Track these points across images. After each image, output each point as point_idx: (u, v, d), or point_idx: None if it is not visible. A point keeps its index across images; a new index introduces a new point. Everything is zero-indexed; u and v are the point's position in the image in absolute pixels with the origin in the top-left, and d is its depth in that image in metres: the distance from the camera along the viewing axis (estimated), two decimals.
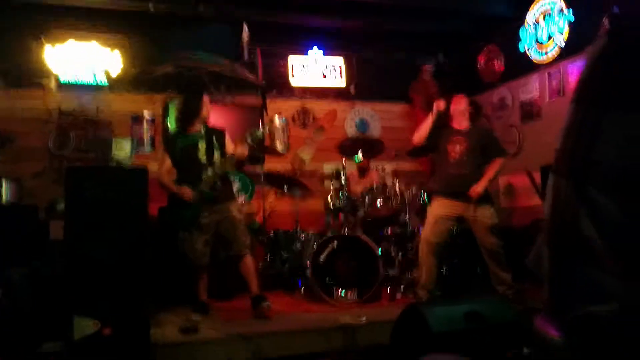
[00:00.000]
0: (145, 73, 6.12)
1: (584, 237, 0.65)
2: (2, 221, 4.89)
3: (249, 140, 4.17)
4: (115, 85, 6.12)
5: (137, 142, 5.69)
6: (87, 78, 5.92)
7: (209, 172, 4.12)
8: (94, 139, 5.87)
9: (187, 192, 4.06)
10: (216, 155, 4.21)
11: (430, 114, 4.47)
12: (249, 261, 4.20)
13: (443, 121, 4.51)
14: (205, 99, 4.29)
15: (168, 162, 4.22)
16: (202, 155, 4.18)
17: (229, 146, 4.30)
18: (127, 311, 3.24)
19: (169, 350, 3.36)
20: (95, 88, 6.00)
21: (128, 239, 3.33)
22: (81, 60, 5.81)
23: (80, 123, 5.92)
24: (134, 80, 6.21)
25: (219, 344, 3.46)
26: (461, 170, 4.33)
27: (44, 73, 5.84)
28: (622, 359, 0.61)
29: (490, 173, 4.34)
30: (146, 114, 6.25)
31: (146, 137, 6.21)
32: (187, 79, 5.92)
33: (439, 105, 4.44)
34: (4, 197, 5.14)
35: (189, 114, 4.24)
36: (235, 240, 4.16)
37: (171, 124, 6.19)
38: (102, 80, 5.97)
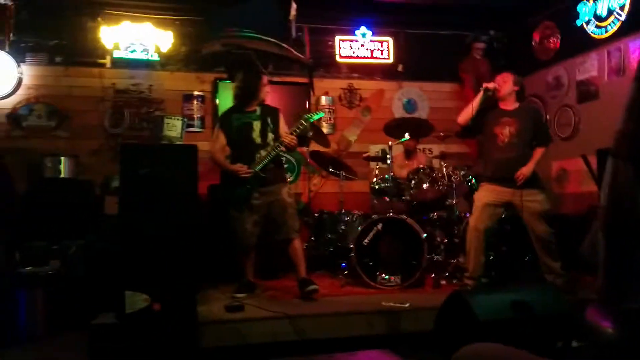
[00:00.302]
0: (195, 51, 6.22)
1: None
2: (60, 195, 5.13)
3: (295, 130, 4.18)
4: (166, 62, 6.24)
5: (187, 121, 5.79)
6: (140, 55, 6.05)
7: (262, 153, 4.15)
8: (147, 117, 6.04)
9: (243, 168, 4.11)
10: (270, 136, 4.23)
11: (478, 93, 4.34)
12: (297, 245, 4.22)
13: (491, 102, 4.36)
14: (264, 80, 4.31)
15: (222, 139, 4.26)
16: (257, 136, 4.21)
17: (283, 127, 4.31)
18: (176, 288, 3.33)
19: (215, 327, 3.44)
20: (147, 64, 6.13)
21: (179, 215, 3.41)
22: (135, 39, 5.95)
23: (134, 101, 6.09)
24: (184, 59, 6.32)
25: (264, 323, 3.52)
26: (510, 154, 4.18)
27: (100, 51, 6.01)
28: None
29: (534, 158, 4.18)
30: (196, 92, 6.36)
31: (196, 115, 6.33)
32: (235, 58, 5.96)
33: (488, 84, 4.30)
34: (62, 172, 5.37)
35: (247, 94, 4.27)
36: (285, 223, 4.18)
37: (221, 103, 6.30)
38: (154, 56, 6.09)
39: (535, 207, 4.13)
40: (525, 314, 2.90)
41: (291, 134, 4.15)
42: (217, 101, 6.38)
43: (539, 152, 4.21)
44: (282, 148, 4.16)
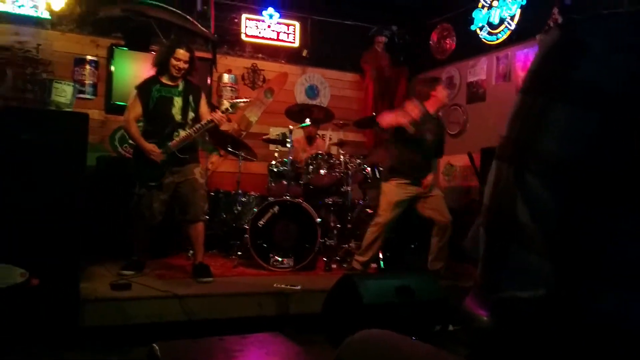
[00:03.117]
0: (91, 13, 5.81)
1: (519, 223, 0.67)
2: None
3: (228, 108, 4.06)
4: (58, 22, 5.77)
5: (78, 87, 5.41)
6: (28, 11, 5.54)
7: (182, 132, 3.98)
8: (32, 79, 5.55)
9: (156, 153, 3.91)
10: (190, 115, 4.06)
11: (406, 114, 4.13)
12: (201, 228, 4.11)
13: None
14: (182, 54, 3.97)
15: (138, 109, 4.00)
16: (177, 112, 4.01)
17: (204, 106, 4.15)
18: (57, 263, 3.14)
19: (99, 305, 3.30)
20: (36, 22, 5.62)
21: (63, 187, 3.22)
22: None
23: (18, 60, 5.55)
24: (79, 20, 5.89)
25: (152, 303, 3.43)
26: (427, 157, 4.44)
27: None
28: (540, 345, 0.64)
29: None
30: (89, 57, 5.96)
31: (88, 81, 5.93)
32: (134, 25, 5.66)
33: (410, 120, 4.09)
34: None
35: (159, 65, 4.02)
36: (194, 204, 4.03)
37: (116, 70, 5.95)
38: (45, 14, 5.60)
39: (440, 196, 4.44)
40: (408, 299, 3.09)
41: (223, 112, 4.03)
42: (113, 68, 6.02)
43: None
44: (211, 125, 4.02)
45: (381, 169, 4.92)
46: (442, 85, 4.45)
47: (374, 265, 4.63)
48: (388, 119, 4.25)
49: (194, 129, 4.00)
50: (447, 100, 4.47)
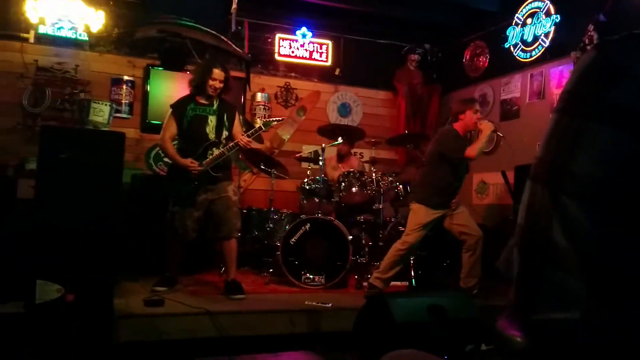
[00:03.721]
0: (127, 34, 5.99)
1: (554, 244, 0.66)
2: None
3: (262, 127, 4.10)
4: (96, 43, 5.97)
5: (115, 106, 5.58)
6: (67, 33, 5.74)
7: (216, 151, 4.02)
8: (71, 99, 5.74)
9: (194, 164, 3.96)
10: (225, 133, 4.10)
11: (484, 133, 4.13)
12: (234, 245, 4.12)
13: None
14: (218, 74, 4.04)
15: (173, 129, 4.07)
16: (211, 131, 4.06)
17: (237, 126, 4.20)
18: (92, 279, 3.20)
19: (132, 322, 3.34)
20: (75, 43, 5.83)
21: (99, 204, 3.30)
22: (63, 15, 5.64)
23: (57, 80, 5.76)
24: (116, 41, 6.08)
25: (184, 319, 3.45)
26: (460, 180, 4.41)
27: (24, 25, 5.65)
28: None
29: None
30: (126, 77, 6.13)
31: (124, 101, 6.10)
32: (170, 45, 5.81)
33: (489, 126, 4.14)
34: None
35: (196, 85, 4.09)
36: (227, 222, 4.05)
37: (152, 90, 6.10)
38: (83, 35, 5.80)
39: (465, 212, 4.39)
40: (440, 318, 3.03)
41: (249, 136, 4.05)
42: (148, 88, 6.19)
43: None
44: (236, 149, 4.07)
45: (411, 188, 4.86)
46: (473, 109, 4.29)
47: (405, 283, 4.58)
48: (475, 150, 4.11)
49: (227, 147, 4.04)
50: (473, 126, 4.29)
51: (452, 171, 4.25)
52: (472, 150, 4.09)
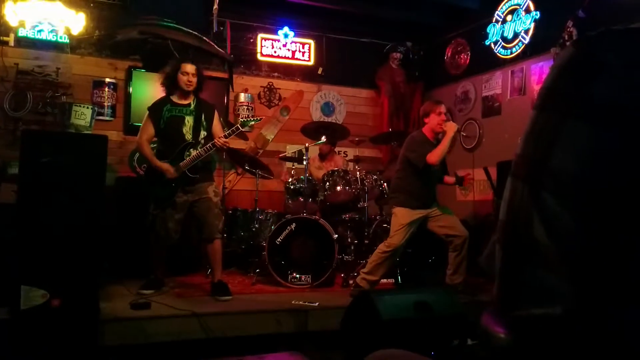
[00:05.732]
0: (109, 36, 5.93)
1: (535, 240, 0.67)
2: None
3: (239, 127, 4.07)
4: (77, 45, 5.89)
5: (97, 109, 5.52)
6: (47, 35, 5.66)
7: (193, 152, 3.99)
8: (52, 102, 5.66)
9: (170, 170, 3.94)
10: (202, 133, 4.07)
11: (447, 135, 4.11)
12: (217, 246, 4.10)
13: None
14: (189, 68, 4.02)
15: (151, 130, 4.05)
16: (188, 131, 4.03)
17: (217, 125, 4.17)
18: (78, 283, 3.18)
19: (119, 325, 3.33)
20: (56, 46, 5.75)
21: (83, 208, 3.26)
22: (43, 18, 5.56)
23: (38, 84, 5.67)
24: (97, 43, 6.01)
25: (171, 321, 3.45)
26: (434, 183, 4.48)
27: (3, 28, 5.56)
28: None
29: None
30: (108, 79, 6.07)
31: (107, 103, 6.04)
32: (152, 47, 5.76)
33: (452, 127, 4.15)
34: None
35: (169, 83, 4.07)
36: (208, 223, 4.03)
37: (134, 92, 6.04)
38: (64, 38, 5.73)
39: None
40: (425, 314, 3.06)
41: (225, 137, 4.02)
42: (130, 90, 6.13)
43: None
44: (214, 149, 4.04)
45: (388, 194, 4.86)
46: (436, 111, 4.25)
47: (390, 280, 4.60)
48: (436, 156, 4.10)
49: (204, 148, 4.00)
50: (438, 129, 4.24)
51: (422, 175, 4.25)
52: (432, 156, 4.09)
